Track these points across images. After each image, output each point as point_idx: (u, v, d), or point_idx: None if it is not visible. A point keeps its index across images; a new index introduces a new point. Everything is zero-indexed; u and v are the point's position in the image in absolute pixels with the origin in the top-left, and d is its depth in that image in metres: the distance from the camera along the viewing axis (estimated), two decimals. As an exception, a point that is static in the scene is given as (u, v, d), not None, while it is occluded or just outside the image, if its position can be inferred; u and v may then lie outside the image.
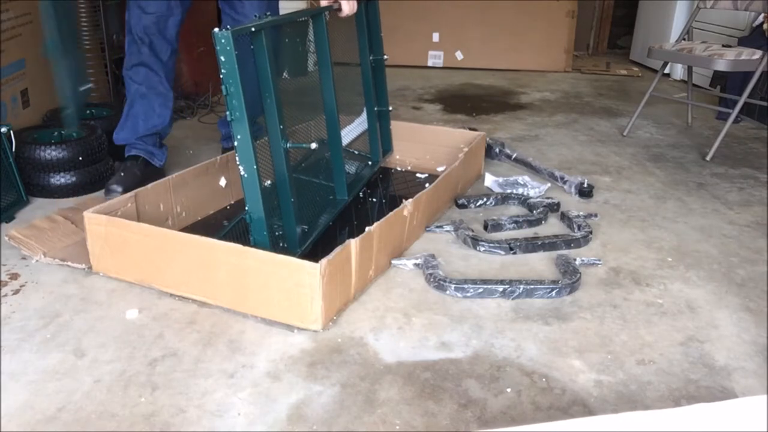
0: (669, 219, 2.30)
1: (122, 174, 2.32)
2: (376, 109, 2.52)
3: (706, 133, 3.41)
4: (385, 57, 2.53)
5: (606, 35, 6.10)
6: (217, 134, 2.89)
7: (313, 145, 1.77)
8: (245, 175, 1.64)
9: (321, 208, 2.07)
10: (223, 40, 1.53)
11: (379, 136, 2.57)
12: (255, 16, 1.81)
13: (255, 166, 1.62)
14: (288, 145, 1.73)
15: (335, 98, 2.07)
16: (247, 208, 1.67)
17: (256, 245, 1.65)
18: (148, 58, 2.33)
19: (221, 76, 1.56)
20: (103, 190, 2.39)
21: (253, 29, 1.61)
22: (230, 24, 1.57)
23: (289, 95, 2.00)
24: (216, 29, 1.53)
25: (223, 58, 1.54)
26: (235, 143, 1.61)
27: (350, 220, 2.20)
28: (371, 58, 2.45)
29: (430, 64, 5.10)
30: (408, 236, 1.99)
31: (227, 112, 1.59)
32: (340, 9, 2.12)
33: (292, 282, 1.54)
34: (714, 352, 1.53)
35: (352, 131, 2.37)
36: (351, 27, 2.35)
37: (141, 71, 2.34)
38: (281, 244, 1.80)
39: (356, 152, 2.46)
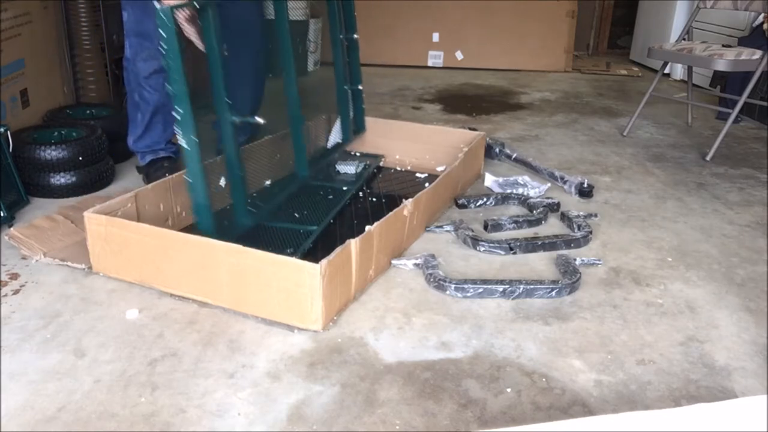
0: (669, 219, 2.30)
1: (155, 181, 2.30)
2: (348, 87, 2.57)
3: (706, 133, 3.41)
4: (356, 36, 2.55)
5: (606, 35, 6.10)
6: (215, 134, 2.89)
7: (261, 120, 1.82)
8: (187, 148, 1.67)
9: (282, 186, 2.15)
10: (163, 16, 1.54)
11: (349, 115, 2.63)
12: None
13: (195, 140, 1.67)
14: (236, 119, 1.78)
15: (295, 78, 2.10)
16: (187, 177, 1.72)
17: (197, 212, 1.72)
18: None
19: (162, 51, 1.58)
20: (103, 190, 2.40)
21: (197, 6, 1.64)
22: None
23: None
24: (156, 3, 1.54)
25: (164, 34, 1.56)
26: (177, 116, 1.64)
27: (350, 220, 2.20)
28: (342, 36, 2.46)
29: (430, 64, 5.09)
30: (408, 236, 1.99)
31: (167, 86, 1.62)
32: None
33: (292, 282, 1.54)
34: (714, 352, 1.53)
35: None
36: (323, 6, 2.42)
37: (160, 79, 2.24)
38: (225, 222, 1.87)
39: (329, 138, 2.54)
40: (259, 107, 2.54)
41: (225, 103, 1.74)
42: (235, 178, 1.81)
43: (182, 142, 1.65)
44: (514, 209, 2.35)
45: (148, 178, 2.33)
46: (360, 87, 2.62)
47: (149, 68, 2.25)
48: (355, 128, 2.68)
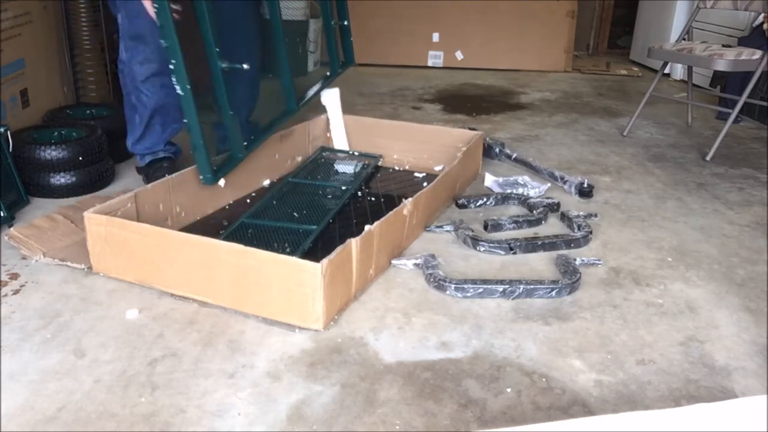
0: (669, 219, 2.30)
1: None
2: (334, 24, 2.78)
3: (706, 133, 3.41)
4: None
5: (606, 35, 6.10)
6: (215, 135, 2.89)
7: (246, 66, 2.03)
8: (182, 94, 1.89)
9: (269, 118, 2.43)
10: None
11: (336, 48, 2.86)
12: None
13: (188, 87, 1.88)
14: (224, 65, 1.98)
15: (279, 14, 2.27)
16: (185, 120, 1.93)
17: (195, 150, 1.96)
18: (161, 65, 2.16)
19: (155, 8, 1.81)
20: (103, 190, 2.40)
21: None
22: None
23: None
24: None
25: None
26: (171, 66, 1.86)
27: (349, 220, 2.20)
28: None
29: (430, 64, 5.09)
30: (407, 236, 1.99)
31: (161, 41, 1.83)
32: None
33: (293, 282, 1.54)
34: (714, 352, 1.53)
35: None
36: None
37: (157, 82, 2.23)
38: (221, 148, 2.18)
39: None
40: (255, 106, 2.55)
41: (215, 52, 1.95)
42: (226, 118, 2.06)
43: (177, 88, 1.88)
44: (514, 209, 2.35)
45: (148, 179, 2.33)
46: (346, 23, 2.85)
47: (146, 71, 2.23)
48: (344, 61, 2.90)
